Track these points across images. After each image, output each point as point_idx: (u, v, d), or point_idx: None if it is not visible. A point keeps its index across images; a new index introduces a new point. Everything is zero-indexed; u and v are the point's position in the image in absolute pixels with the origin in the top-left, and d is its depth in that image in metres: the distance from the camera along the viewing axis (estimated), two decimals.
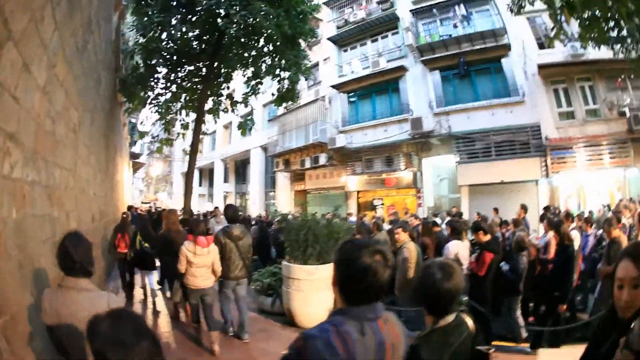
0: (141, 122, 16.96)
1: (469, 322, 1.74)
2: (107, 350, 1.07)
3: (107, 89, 8.39)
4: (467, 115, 13.66)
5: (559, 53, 12.22)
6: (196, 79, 10.96)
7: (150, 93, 10.85)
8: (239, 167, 27.47)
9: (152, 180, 40.52)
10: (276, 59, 10.28)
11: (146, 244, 6.64)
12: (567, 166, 11.86)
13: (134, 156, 23.51)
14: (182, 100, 11.27)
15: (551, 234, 5.79)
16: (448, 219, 9.65)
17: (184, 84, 11.07)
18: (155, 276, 6.87)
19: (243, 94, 11.32)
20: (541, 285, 5.45)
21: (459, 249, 5.23)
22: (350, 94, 16.95)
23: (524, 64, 12.76)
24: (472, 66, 13.95)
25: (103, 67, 7.23)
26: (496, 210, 10.51)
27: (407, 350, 1.46)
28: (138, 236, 6.71)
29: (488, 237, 5.07)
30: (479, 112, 13.47)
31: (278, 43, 9.56)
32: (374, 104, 16.34)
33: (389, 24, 16.17)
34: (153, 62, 10.02)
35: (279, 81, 10.71)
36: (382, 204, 15.92)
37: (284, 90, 10.85)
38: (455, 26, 14.56)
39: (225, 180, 27.89)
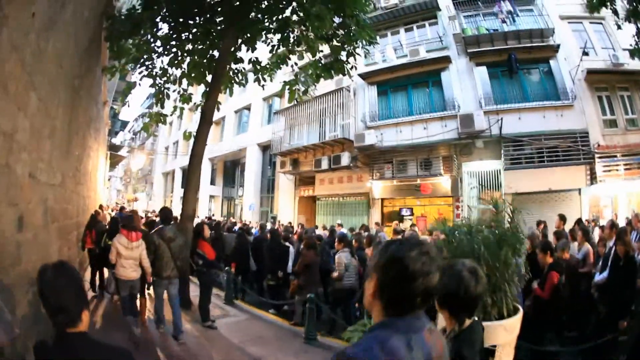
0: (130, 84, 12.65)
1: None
2: (45, 291, 1.45)
3: (86, 21, 5.53)
4: (519, 115, 12.40)
5: (600, 61, 12.20)
6: (206, 41, 8.38)
7: (144, 54, 8.26)
8: (229, 169, 24.75)
9: (130, 179, 37.13)
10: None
11: (109, 242, 6.55)
12: (612, 175, 11.42)
13: (113, 148, 20.33)
14: (185, 66, 8.72)
15: (587, 246, 6.23)
16: None
17: (188, 46, 8.49)
18: None
19: (274, 57, 8.60)
20: (585, 301, 5.54)
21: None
22: (381, 86, 14.69)
23: (576, 67, 11.98)
24: (520, 64, 12.83)
25: None
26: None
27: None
28: (104, 235, 6.85)
29: (552, 259, 4.99)
30: (531, 114, 12.34)
31: None
32: (410, 98, 14.11)
33: (426, 12, 14.64)
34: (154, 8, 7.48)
35: (313, 54, 7.95)
36: (412, 215, 13.59)
37: (331, 60, 8.19)
38: (503, 21, 13.57)
39: (212, 182, 24.99)
